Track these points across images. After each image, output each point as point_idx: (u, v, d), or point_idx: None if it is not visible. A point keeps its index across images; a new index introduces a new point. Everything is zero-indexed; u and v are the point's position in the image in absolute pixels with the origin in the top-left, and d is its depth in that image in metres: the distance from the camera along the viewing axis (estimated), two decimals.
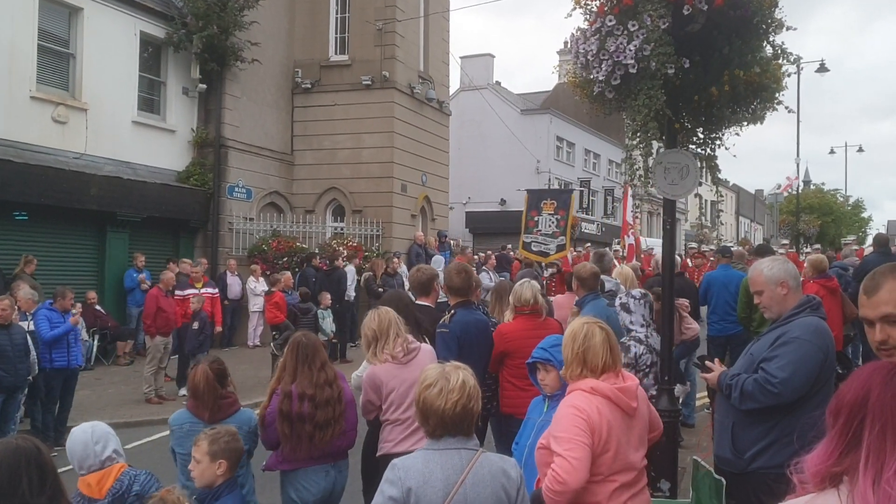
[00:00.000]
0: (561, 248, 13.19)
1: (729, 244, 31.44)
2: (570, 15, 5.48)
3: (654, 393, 5.68)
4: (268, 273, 16.35)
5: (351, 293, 16.12)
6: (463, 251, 21.31)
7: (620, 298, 6.58)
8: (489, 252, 22.00)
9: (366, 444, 5.08)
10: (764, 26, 5.14)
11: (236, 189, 18.16)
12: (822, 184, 56.03)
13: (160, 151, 16.81)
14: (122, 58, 15.78)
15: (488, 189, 34.70)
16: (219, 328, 14.22)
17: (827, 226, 46.01)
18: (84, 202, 14.33)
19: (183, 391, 11.00)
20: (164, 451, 4.63)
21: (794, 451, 1.87)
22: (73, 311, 9.58)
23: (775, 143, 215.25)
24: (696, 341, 9.19)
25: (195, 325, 11.42)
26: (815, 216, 43.63)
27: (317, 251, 17.45)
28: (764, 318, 4.19)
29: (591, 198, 41.61)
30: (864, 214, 61.01)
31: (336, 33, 20.75)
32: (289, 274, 14.88)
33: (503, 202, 34.69)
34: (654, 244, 24.24)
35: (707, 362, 4.28)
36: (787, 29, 5.25)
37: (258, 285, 16.23)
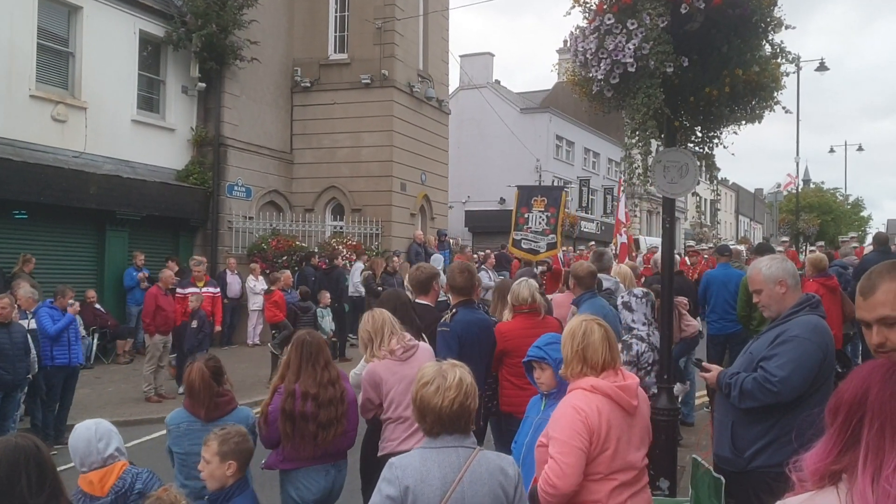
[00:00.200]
0: (552, 246, 13.05)
1: (728, 242, 31.45)
2: (570, 13, 5.48)
3: (655, 391, 5.69)
4: (267, 272, 16.34)
5: (361, 289, 16.09)
6: (462, 250, 21.30)
7: (623, 297, 6.59)
8: (488, 251, 21.99)
9: (364, 442, 5.08)
10: (763, 25, 5.14)
11: (236, 188, 18.16)
12: (822, 183, 56.19)
13: (159, 150, 16.81)
14: (121, 56, 15.77)
15: (487, 188, 34.71)
16: (218, 327, 14.22)
17: (826, 225, 46.01)
18: (83, 201, 14.32)
19: (182, 389, 11.00)
20: (164, 450, 4.62)
21: (794, 449, 1.87)
22: (71, 301, 9.62)
23: (775, 142, 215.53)
24: (696, 339, 9.21)
25: (193, 324, 11.42)
26: (815, 215, 43.61)
27: (316, 250, 17.45)
28: (763, 317, 4.19)
29: (590, 197, 41.63)
30: (864, 213, 61.13)
31: (335, 32, 20.74)
32: (288, 273, 14.88)
33: (502, 201, 34.69)
34: (654, 243, 24.25)
35: (703, 361, 4.30)
36: (787, 28, 5.24)
37: (257, 284, 16.23)
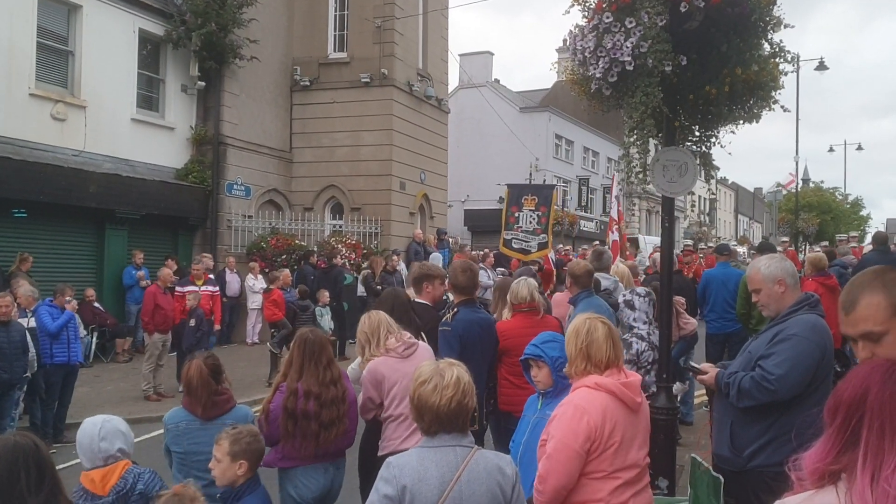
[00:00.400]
0: (542, 245, 12.93)
1: (727, 241, 31.47)
2: (569, 12, 5.48)
3: (655, 390, 5.69)
4: (266, 271, 16.34)
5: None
6: (462, 249, 21.29)
7: (625, 295, 6.60)
8: (486, 250, 21.99)
9: (363, 440, 5.08)
10: (762, 24, 5.14)
11: (235, 186, 18.15)
12: (822, 182, 56.15)
13: (159, 149, 16.80)
14: (121, 55, 15.76)
15: (487, 187, 34.70)
16: (218, 326, 14.21)
17: (826, 224, 46.00)
18: (83, 199, 14.32)
19: (182, 388, 11.01)
20: (162, 449, 4.62)
21: (793, 448, 1.87)
22: (69, 299, 9.63)
23: (774, 141, 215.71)
24: (695, 337, 9.22)
25: (192, 323, 11.43)
26: (814, 214, 43.59)
27: (315, 249, 17.45)
28: (763, 316, 4.19)
29: (590, 196, 41.64)
30: (864, 213, 61.12)
31: (335, 31, 20.73)
32: (287, 271, 14.87)
33: (501, 200, 34.64)
34: (654, 242, 24.23)
35: (697, 366, 4.30)
36: (786, 27, 5.24)
37: (257, 283, 16.22)
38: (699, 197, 45.55)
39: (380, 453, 4.62)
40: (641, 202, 46.38)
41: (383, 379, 4.63)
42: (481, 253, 21.40)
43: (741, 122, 5.71)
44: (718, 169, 5.96)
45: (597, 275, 7.22)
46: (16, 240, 13.38)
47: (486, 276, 16.41)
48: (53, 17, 14.62)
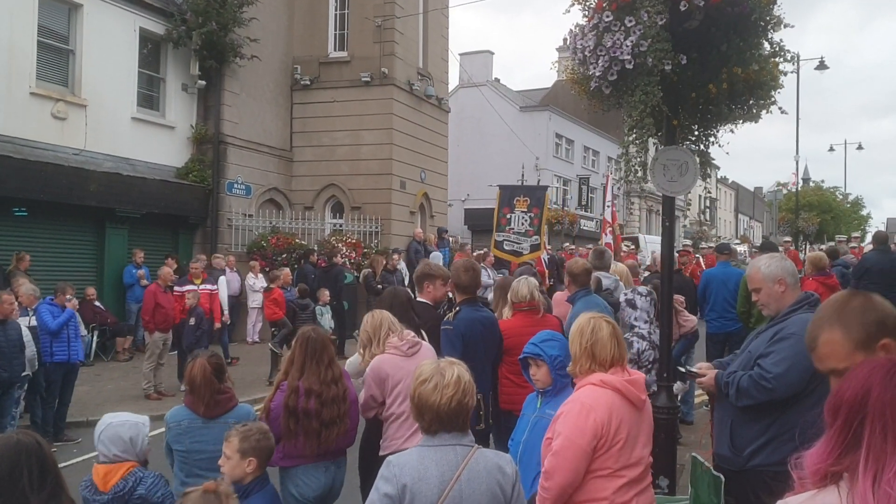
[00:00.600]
0: (535, 247, 12.79)
1: (728, 241, 31.48)
2: (569, 11, 5.49)
3: (656, 389, 5.70)
4: (267, 269, 16.34)
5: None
6: (462, 248, 21.30)
7: (626, 294, 6.61)
8: (486, 249, 22.00)
9: (363, 439, 5.08)
10: (762, 23, 5.14)
11: (235, 185, 18.15)
12: (822, 181, 56.14)
13: (159, 148, 16.80)
14: (121, 54, 15.76)
15: (487, 186, 34.55)
16: (217, 324, 14.21)
17: (826, 223, 46.02)
18: (83, 198, 14.32)
19: (184, 386, 11.03)
20: (163, 448, 4.62)
21: (793, 448, 1.87)
22: (69, 297, 9.64)
23: (774, 140, 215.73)
24: (696, 336, 9.24)
25: (191, 321, 11.44)
26: (815, 213, 43.64)
27: (315, 248, 17.45)
28: (762, 314, 4.20)
29: (590, 195, 41.62)
30: (864, 212, 61.12)
31: (335, 30, 20.72)
32: (287, 270, 14.87)
33: None
34: (653, 241, 24.22)
35: (695, 370, 4.31)
36: (786, 26, 5.25)
37: (257, 282, 16.22)
38: (697, 196, 45.61)
39: (381, 453, 4.61)
40: (641, 202, 46.38)
41: (387, 377, 4.64)
42: (481, 252, 21.42)
43: (741, 121, 5.72)
44: (718, 168, 5.98)
45: (598, 274, 7.22)
46: (16, 238, 13.38)
47: (485, 276, 16.43)
48: (54, 16, 14.62)
